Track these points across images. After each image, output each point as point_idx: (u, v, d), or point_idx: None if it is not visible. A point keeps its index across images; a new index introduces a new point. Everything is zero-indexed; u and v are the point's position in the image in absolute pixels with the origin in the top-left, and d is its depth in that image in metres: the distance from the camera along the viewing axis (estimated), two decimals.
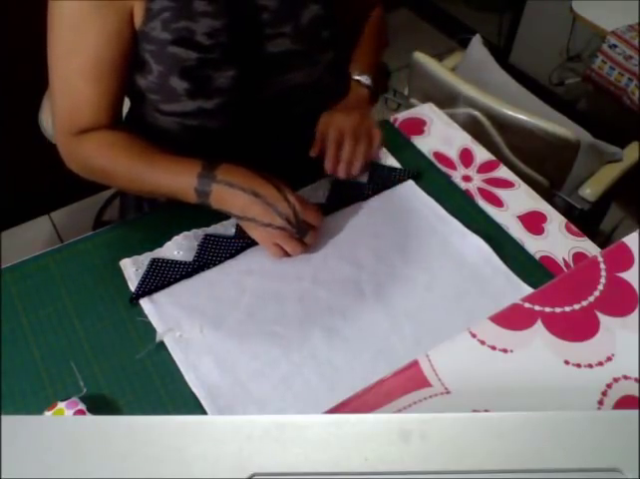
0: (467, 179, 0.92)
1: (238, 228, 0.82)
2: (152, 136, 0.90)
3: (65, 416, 0.60)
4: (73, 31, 0.74)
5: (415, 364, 0.54)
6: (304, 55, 0.85)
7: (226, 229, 0.83)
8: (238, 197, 0.75)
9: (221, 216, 0.84)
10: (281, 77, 0.85)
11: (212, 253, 0.79)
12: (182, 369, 0.69)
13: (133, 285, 0.76)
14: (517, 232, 0.84)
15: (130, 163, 0.79)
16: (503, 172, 0.93)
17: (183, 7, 0.75)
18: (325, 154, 0.87)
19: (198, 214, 0.83)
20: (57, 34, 0.75)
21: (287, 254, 0.79)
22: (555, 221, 0.86)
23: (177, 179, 0.77)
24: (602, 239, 1.72)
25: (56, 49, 0.76)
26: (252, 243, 0.81)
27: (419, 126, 1.01)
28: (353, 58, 0.99)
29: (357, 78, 0.96)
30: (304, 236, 0.77)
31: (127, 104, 0.93)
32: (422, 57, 1.36)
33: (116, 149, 0.80)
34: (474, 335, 0.56)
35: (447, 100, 1.31)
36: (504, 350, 0.55)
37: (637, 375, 0.53)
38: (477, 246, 0.81)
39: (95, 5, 0.73)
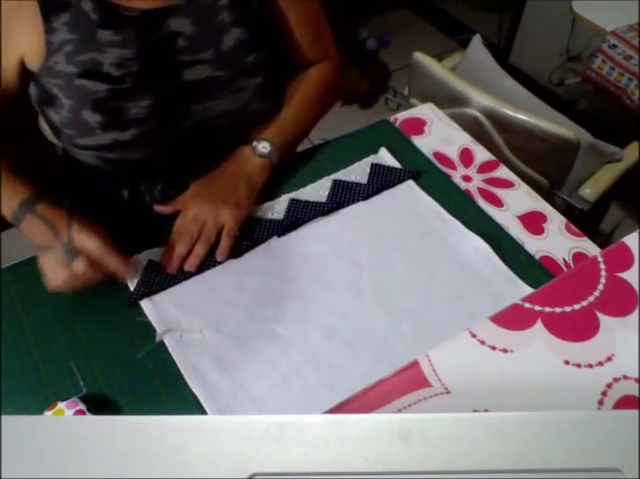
0: (467, 179, 0.92)
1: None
2: (79, 171, 0.89)
3: (65, 416, 0.60)
4: None
5: (415, 364, 0.54)
6: (227, 81, 0.82)
7: None
8: (40, 229, 0.71)
9: None
10: (203, 104, 0.82)
11: (212, 254, 0.79)
12: (182, 369, 0.69)
13: (133, 285, 0.76)
14: (517, 232, 0.84)
15: None
16: (503, 172, 0.93)
17: (87, 38, 0.73)
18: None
19: None
20: None
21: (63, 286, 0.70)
22: (555, 221, 0.85)
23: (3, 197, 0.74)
24: (602, 240, 1.72)
25: None
26: (252, 245, 0.81)
27: (419, 126, 1.01)
28: (269, 119, 0.88)
29: (253, 144, 0.85)
30: (72, 258, 0.68)
31: None
32: (422, 57, 1.36)
33: None
34: (473, 335, 0.56)
35: (447, 100, 1.31)
36: (504, 350, 0.55)
37: (637, 375, 0.53)
38: (476, 247, 0.81)
39: None
